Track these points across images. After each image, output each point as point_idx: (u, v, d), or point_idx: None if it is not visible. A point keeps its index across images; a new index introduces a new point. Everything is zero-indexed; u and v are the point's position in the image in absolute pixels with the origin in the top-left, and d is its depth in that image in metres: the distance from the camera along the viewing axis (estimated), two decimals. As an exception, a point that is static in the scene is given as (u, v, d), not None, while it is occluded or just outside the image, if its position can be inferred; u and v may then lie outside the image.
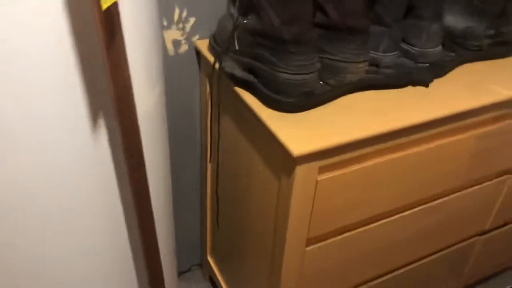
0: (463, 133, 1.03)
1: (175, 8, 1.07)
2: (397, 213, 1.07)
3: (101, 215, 0.78)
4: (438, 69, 1.05)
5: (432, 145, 0.98)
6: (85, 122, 0.68)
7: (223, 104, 1.08)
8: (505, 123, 1.08)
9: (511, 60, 1.18)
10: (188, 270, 1.59)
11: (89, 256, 0.81)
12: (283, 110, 0.90)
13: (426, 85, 1.02)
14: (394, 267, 1.21)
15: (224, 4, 1.12)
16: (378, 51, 0.97)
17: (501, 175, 1.22)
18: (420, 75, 1.01)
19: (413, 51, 1.02)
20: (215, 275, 1.43)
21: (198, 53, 1.16)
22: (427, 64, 1.03)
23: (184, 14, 1.09)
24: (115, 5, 0.57)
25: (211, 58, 1.05)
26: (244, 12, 0.90)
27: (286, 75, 0.87)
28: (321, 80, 0.94)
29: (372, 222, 1.04)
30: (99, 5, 0.54)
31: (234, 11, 0.92)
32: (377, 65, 0.98)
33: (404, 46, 1.03)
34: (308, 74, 0.88)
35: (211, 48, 1.06)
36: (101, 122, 0.70)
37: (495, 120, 1.07)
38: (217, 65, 0.99)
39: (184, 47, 1.14)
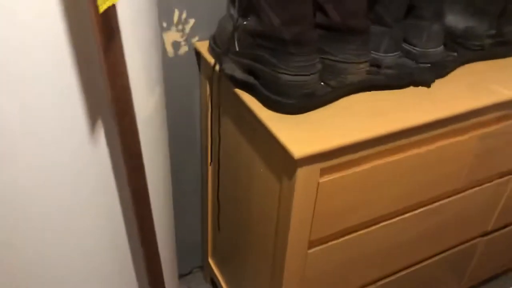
0: (465, 133, 1.02)
1: (174, 10, 1.07)
2: (399, 215, 1.06)
3: (101, 216, 0.78)
4: (440, 69, 1.05)
5: (434, 146, 0.98)
6: (84, 122, 0.67)
7: (223, 105, 1.08)
8: (508, 123, 1.08)
9: (512, 60, 1.17)
10: (190, 272, 1.59)
11: (88, 257, 0.81)
12: (283, 111, 0.89)
13: (428, 86, 1.01)
14: (396, 269, 1.21)
15: (223, 5, 1.11)
16: (379, 52, 0.96)
17: (503, 176, 1.21)
18: (422, 75, 1.00)
19: (414, 51, 1.02)
20: (216, 277, 1.43)
21: (198, 54, 1.16)
22: (429, 65, 1.03)
23: (184, 15, 1.09)
24: (113, 8, 0.56)
25: (211, 60, 1.04)
26: (244, 13, 0.90)
27: (286, 76, 0.86)
28: (322, 81, 0.94)
29: (374, 224, 1.04)
30: (96, 8, 0.53)
31: (234, 12, 0.92)
32: (378, 66, 0.97)
33: (405, 46, 1.03)
34: (308, 75, 0.87)
35: (211, 50, 1.06)
36: (101, 123, 0.70)
37: (497, 120, 1.07)
38: (217, 67, 0.99)
39: (184, 49, 1.14)
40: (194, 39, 1.14)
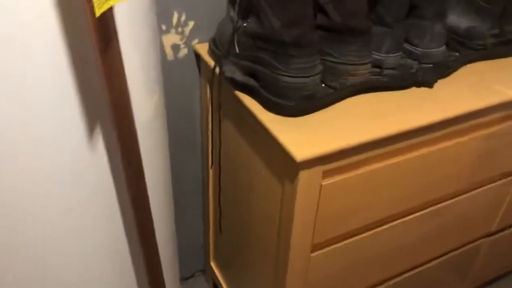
0: (468, 134, 1.02)
1: (173, 12, 1.06)
2: (402, 217, 1.06)
3: (100, 219, 0.78)
4: (442, 70, 1.04)
5: (437, 147, 0.97)
6: (83, 123, 0.67)
7: (223, 108, 1.07)
8: (511, 123, 1.07)
9: (515, 59, 1.17)
10: (191, 276, 1.58)
11: (88, 260, 0.81)
12: (284, 114, 0.88)
13: (430, 86, 1.00)
14: (399, 271, 1.20)
15: (223, 7, 1.11)
16: (381, 52, 0.95)
17: (507, 176, 1.20)
18: (424, 76, 1.00)
19: (416, 51, 1.01)
20: (218, 280, 1.42)
21: (197, 57, 1.15)
22: (431, 65, 1.02)
23: (183, 18, 1.08)
24: (110, 11, 0.55)
25: (211, 62, 1.04)
26: (244, 15, 0.89)
27: (286, 78, 0.86)
28: (323, 83, 0.93)
29: (377, 227, 1.03)
30: (92, 11, 0.52)
31: (233, 14, 0.91)
32: (380, 67, 0.96)
33: (407, 46, 1.02)
34: (309, 77, 0.87)
35: (211, 52, 1.05)
36: (99, 125, 0.69)
37: (501, 120, 1.06)
38: (217, 69, 0.98)
39: (183, 52, 1.13)
40: (194, 42, 1.13)
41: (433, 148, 0.97)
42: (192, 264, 1.56)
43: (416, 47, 1.01)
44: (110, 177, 0.75)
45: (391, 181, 0.95)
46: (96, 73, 0.64)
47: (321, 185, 0.86)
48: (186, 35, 1.11)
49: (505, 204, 1.27)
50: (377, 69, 0.97)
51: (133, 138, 0.68)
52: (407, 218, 1.06)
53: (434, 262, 1.26)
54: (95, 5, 0.51)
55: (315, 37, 0.87)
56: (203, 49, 1.10)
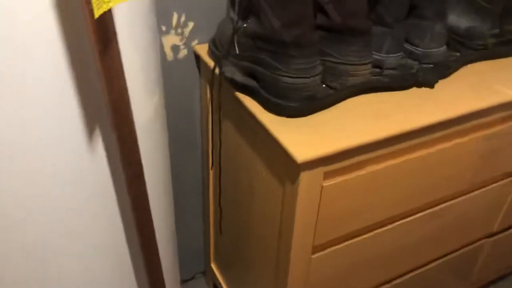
0: (469, 134, 1.01)
1: (173, 13, 1.06)
2: (403, 218, 1.05)
3: (100, 221, 0.78)
4: (443, 70, 1.04)
5: (438, 148, 0.97)
6: (83, 124, 0.67)
7: (224, 109, 1.07)
8: (512, 123, 1.07)
9: (516, 59, 1.16)
10: (192, 278, 1.58)
11: (88, 262, 0.81)
12: (285, 114, 0.88)
13: (431, 86, 1.00)
14: (400, 272, 1.20)
15: (223, 8, 1.10)
16: (381, 53, 0.95)
17: (508, 177, 1.20)
18: (425, 76, 0.99)
19: (417, 51, 1.01)
20: (218, 282, 1.42)
21: (197, 58, 1.15)
22: (432, 65, 1.02)
23: (183, 18, 1.08)
24: (109, 12, 0.55)
25: (211, 63, 1.04)
26: (244, 16, 0.89)
27: (287, 79, 0.86)
28: (323, 83, 0.93)
29: (379, 228, 1.03)
30: (91, 13, 0.52)
31: (233, 14, 0.91)
32: (380, 67, 0.96)
33: (408, 46, 1.02)
34: (309, 77, 0.86)
35: (211, 53, 1.05)
36: (100, 126, 0.69)
37: (502, 121, 1.06)
38: (217, 70, 0.98)
39: (183, 52, 1.13)
40: (194, 43, 1.13)
41: (434, 149, 0.96)
42: (193, 266, 1.55)
43: (417, 47, 1.01)
44: (110, 177, 0.74)
45: (392, 182, 0.95)
46: (96, 74, 0.64)
47: (322, 186, 0.86)
48: (186, 36, 1.11)
49: (506, 205, 1.27)
50: (378, 70, 0.96)
51: (132, 138, 0.68)
52: (408, 219, 1.06)
53: (435, 263, 1.26)
54: (94, 6, 0.51)
55: (315, 37, 0.86)
56: (203, 49, 1.09)
